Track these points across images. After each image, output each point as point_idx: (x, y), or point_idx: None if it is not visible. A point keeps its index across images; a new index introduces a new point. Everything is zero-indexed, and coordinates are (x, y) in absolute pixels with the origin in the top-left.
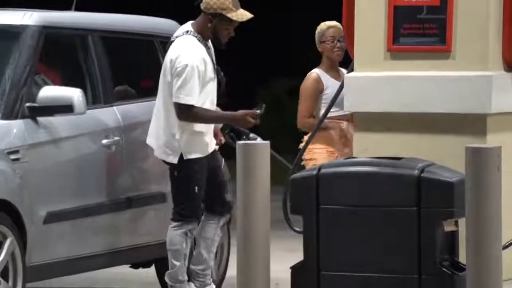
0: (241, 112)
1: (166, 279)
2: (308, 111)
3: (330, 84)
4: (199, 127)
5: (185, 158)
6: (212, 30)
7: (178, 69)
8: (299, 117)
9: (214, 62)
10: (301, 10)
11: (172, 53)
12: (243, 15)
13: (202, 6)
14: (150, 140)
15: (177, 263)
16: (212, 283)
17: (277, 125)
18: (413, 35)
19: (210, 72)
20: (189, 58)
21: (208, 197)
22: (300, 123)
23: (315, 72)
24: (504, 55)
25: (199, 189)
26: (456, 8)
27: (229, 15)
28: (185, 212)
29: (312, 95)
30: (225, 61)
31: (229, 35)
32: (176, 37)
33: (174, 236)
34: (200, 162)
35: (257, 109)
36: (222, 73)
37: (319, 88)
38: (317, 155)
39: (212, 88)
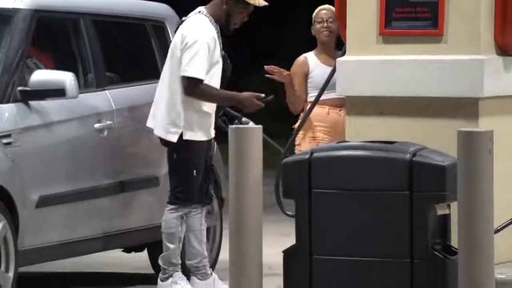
0: (247, 93)
1: (160, 262)
2: (292, 93)
3: (317, 68)
4: (205, 106)
5: (184, 138)
6: (226, 13)
7: (189, 43)
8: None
9: (221, 47)
10: None
11: (183, 29)
12: (260, 0)
13: None
14: (150, 122)
15: (171, 246)
16: (212, 271)
17: (270, 109)
18: (405, 19)
19: (218, 55)
20: (201, 33)
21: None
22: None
23: (304, 55)
24: (496, 39)
25: (197, 173)
26: None
27: None
28: (182, 196)
29: (297, 79)
30: (233, 47)
31: (243, 20)
32: (188, 17)
33: (170, 219)
34: (201, 144)
35: (266, 97)
36: (228, 61)
37: (303, 72)
38: (302, 140)
39: (217, 71)
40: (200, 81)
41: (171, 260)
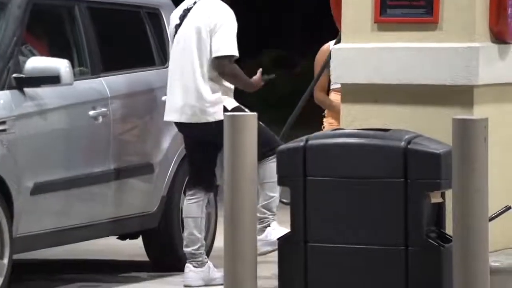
0: (253, 78)
1: (258, 214)
2: (319, 84)
3: None
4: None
5: (230, 108)
6: None
7: (218, 24)
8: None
9: None
10: None
11: (206, 11)
12: None
13: None
14: (173, 115)
15: (273, 194)
16: (207, 259)
17: (265, 96)
18: (400, 6)
19: None
20: (227, 13)
21: (197, 171)
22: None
23: (328, 43)
24: (491, 27)
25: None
26: None
27: None
28: (269, 150)
29: (319, 67)
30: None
31: None
32: (194, 3)
33: (273, 168)
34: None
35: (268, 75)
36: None
37: (325, 60)
38: (325, 124)
39: None
40: (234, 57)
41: (272, 209)
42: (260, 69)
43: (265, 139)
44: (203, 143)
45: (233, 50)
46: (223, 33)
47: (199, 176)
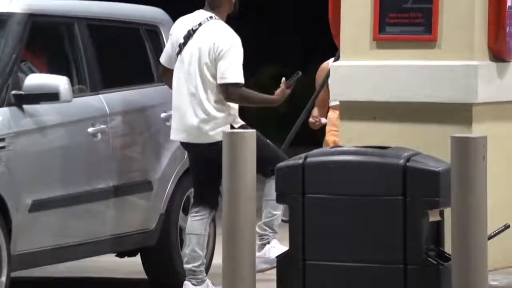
0: (276, 93)
1: (258, 229)
2: (318, 100)
3: None
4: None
5: (236, 126)
6: (234, 5)
7: (224, 49)
8: None
9: None
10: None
11: (210, 36)
12: None
13: None
14: (181, 135)
15: (276, 212)
16: (206, 277)
17: (263, 113)
18: (399, 24)
19: None
20: (233, 39)
21: (201, 188)
22: None
23: (327, 61)
24: (490, 45)
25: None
26: None
27: None
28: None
29: (319, 84)
30: None
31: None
32: (199, 24)
33: (273, 188)
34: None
35: (291, 79)
36: None
37: (325, 77)
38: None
39: None
40: (240, 84)
41: (273, 226)
42: (283, 79)
43: (270, 156)
44: (208, 162)
45: (239, 78)
46: (228, 60)
47: (203, 194)
